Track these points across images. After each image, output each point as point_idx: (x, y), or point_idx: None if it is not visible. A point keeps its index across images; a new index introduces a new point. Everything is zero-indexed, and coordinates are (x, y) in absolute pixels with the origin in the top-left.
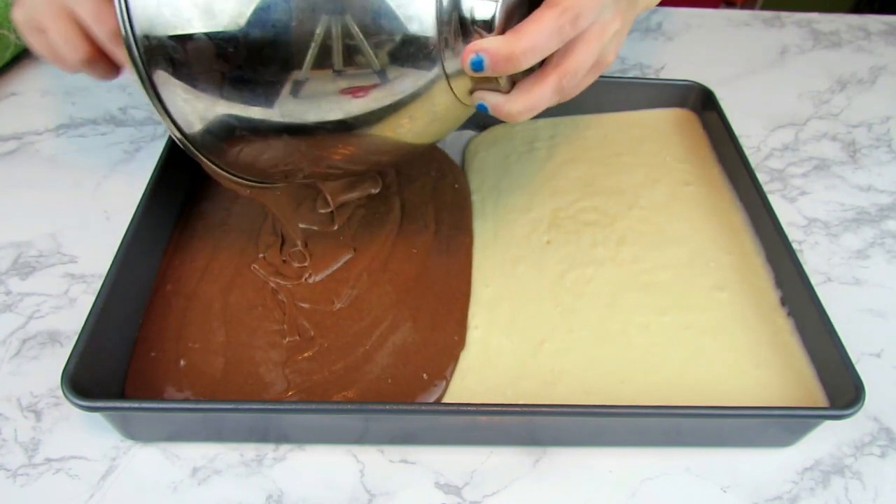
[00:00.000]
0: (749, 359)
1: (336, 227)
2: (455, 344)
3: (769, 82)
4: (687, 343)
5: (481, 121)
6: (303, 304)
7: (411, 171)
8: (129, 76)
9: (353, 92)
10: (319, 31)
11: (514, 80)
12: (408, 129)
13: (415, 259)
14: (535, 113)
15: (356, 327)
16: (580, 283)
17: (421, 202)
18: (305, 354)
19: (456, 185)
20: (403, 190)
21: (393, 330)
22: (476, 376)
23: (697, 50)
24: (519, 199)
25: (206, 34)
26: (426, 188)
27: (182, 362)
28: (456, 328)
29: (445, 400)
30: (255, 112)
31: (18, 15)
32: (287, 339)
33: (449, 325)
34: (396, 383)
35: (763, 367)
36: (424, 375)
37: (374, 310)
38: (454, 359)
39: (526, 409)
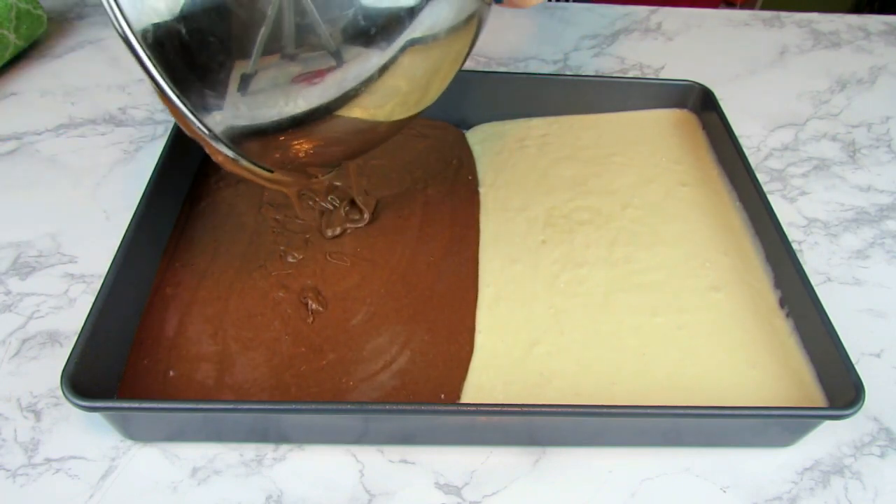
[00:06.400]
0: (744, 359)
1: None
2: (466, 355)
3: (769, 82)
4: (680, 344)
5: (470, 119)
6: (311, 319)
7: (438, 161)
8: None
9: None
10: None
11: None
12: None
13: (431, 267)
14: None
15: (372, 343)
16: (573, 283)
17: (440, 200)
18: (311, 367)
19: (469, 177)
20: (428, 186)
21: (409, 345)
22: (473, 379)
23: (697, 50)
24: (515, 196)
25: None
26: (446, 182)
27: (171, 373)
28: (467, 337)
29: None
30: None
31: None
32: (291, 350)
33: (461, 335)
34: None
35: (759, 367)
36: (442, 396)
37: (392, 325)
38: (466, 372)
39: (525, 409)
